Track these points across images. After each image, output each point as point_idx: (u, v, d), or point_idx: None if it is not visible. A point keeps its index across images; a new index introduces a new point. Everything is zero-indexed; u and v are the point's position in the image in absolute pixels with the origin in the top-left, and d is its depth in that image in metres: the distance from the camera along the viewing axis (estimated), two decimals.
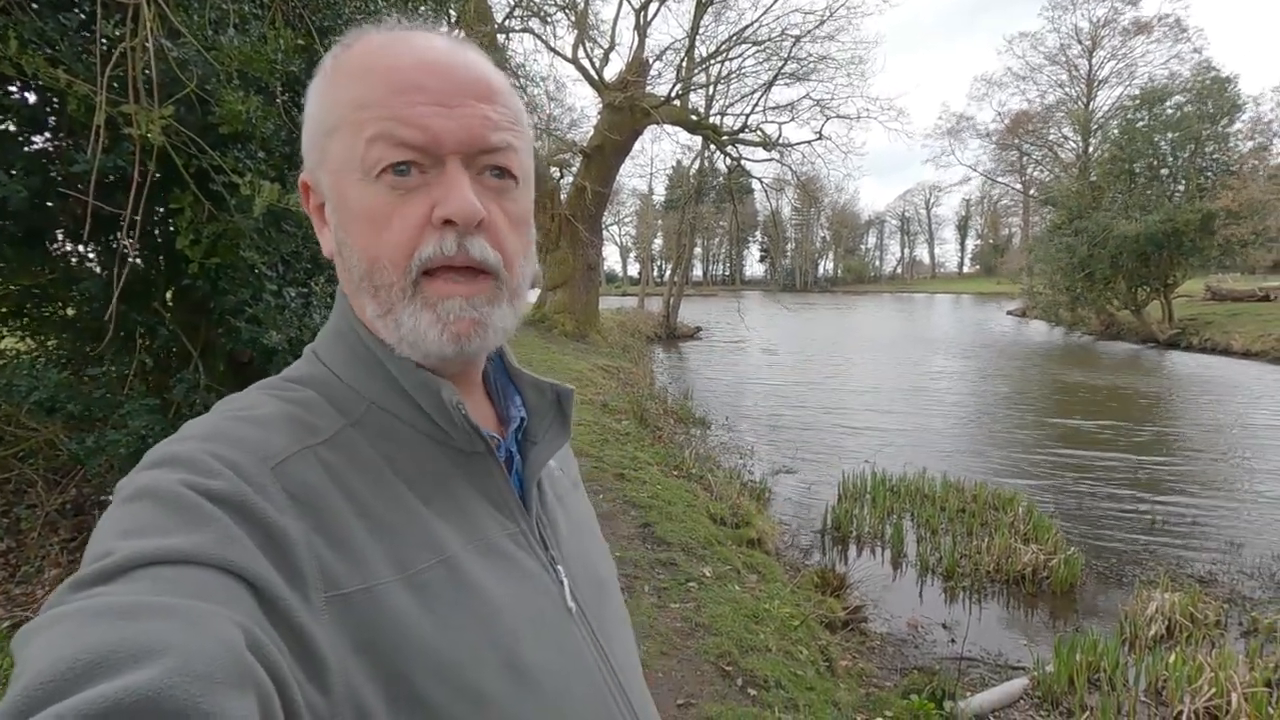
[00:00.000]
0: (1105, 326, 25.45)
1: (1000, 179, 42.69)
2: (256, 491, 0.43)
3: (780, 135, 18.30)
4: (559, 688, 0.52)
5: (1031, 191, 39.36)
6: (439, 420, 0.54)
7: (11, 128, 2.72)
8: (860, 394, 13.73)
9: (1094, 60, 31.73)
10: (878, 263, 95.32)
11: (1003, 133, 36.40)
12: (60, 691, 0.30)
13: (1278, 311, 21.76)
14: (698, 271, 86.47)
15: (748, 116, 18.17)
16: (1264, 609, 4.77)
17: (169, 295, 3.26)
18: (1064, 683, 3.77)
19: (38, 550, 3.12)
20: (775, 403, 12.89)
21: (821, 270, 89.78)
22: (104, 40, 2.44)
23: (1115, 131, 26.39)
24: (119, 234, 2.62)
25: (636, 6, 17.13)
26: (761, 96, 18.23)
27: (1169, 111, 23.90)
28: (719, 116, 18.70)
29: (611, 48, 17.55)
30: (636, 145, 17.72)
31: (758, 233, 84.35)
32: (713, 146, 18.85)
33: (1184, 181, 23.89)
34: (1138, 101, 25.17)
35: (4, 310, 3.16)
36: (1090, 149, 29.61)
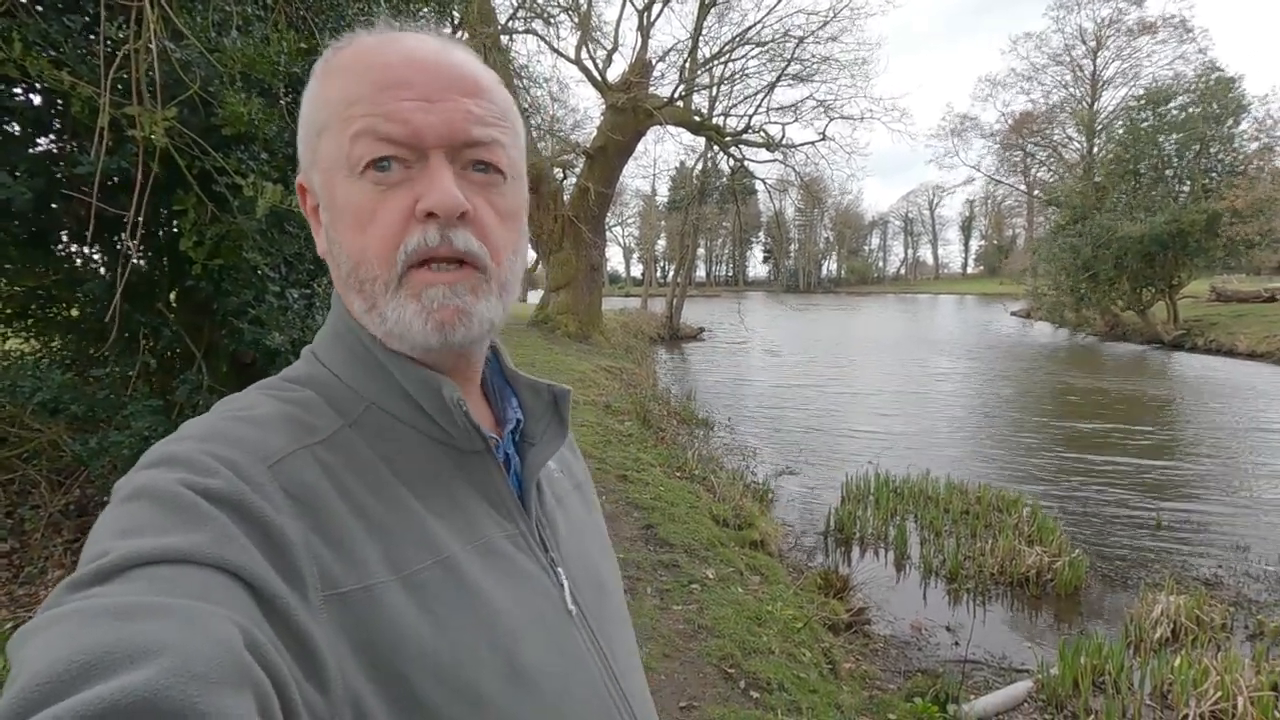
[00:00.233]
0: (1110, 327, 25.37)
1: (1004, 179, 42.63)
2: (254, 491, 0.43)
3: (784, 136, 18.32)
4: (558, 690, 0.51)
5: (1036, 192, 39.28)
6: (439, 419, 0.54)
7: (16, 130, 2.73)
8: (864, 396, 13.71)
9: (1099, 60, 31.67)
10: (881, 263, 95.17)
11: (1007, 133, 36.38)
12: (57, 693, 0.30)
13: None
14: (701, 272, 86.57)
15: (751, 117, 18.19)
16: (1270, 612, 4.74)
17: (172, 296, 3.27)
18: (1068, 686, 3.75)
19: (41, 551, 3.13)
20: (778, 404, 12.87)
21: (825, 271, 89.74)
22: (108, 42, 2.44)
23: (1120, 132, 26.32)
24: (123, 235, 2.63)
25: (640, 7, 17.16)
26: (765, 97, 18.26)
27: (1173, 112, 23.83)
28: (722, 117, 18.73)
29: (615, 49, 17.60)
30: (640, 146, 17.74)
31: (761, 234, 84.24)
32: (716, 147, 18.86)
33: (1189, 182, 23.82)
34: (1142, 102, 25.11)
35: (9, 311, 3.18)
36: (1095, 149, 29.54)
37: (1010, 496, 6.63)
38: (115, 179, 2.56)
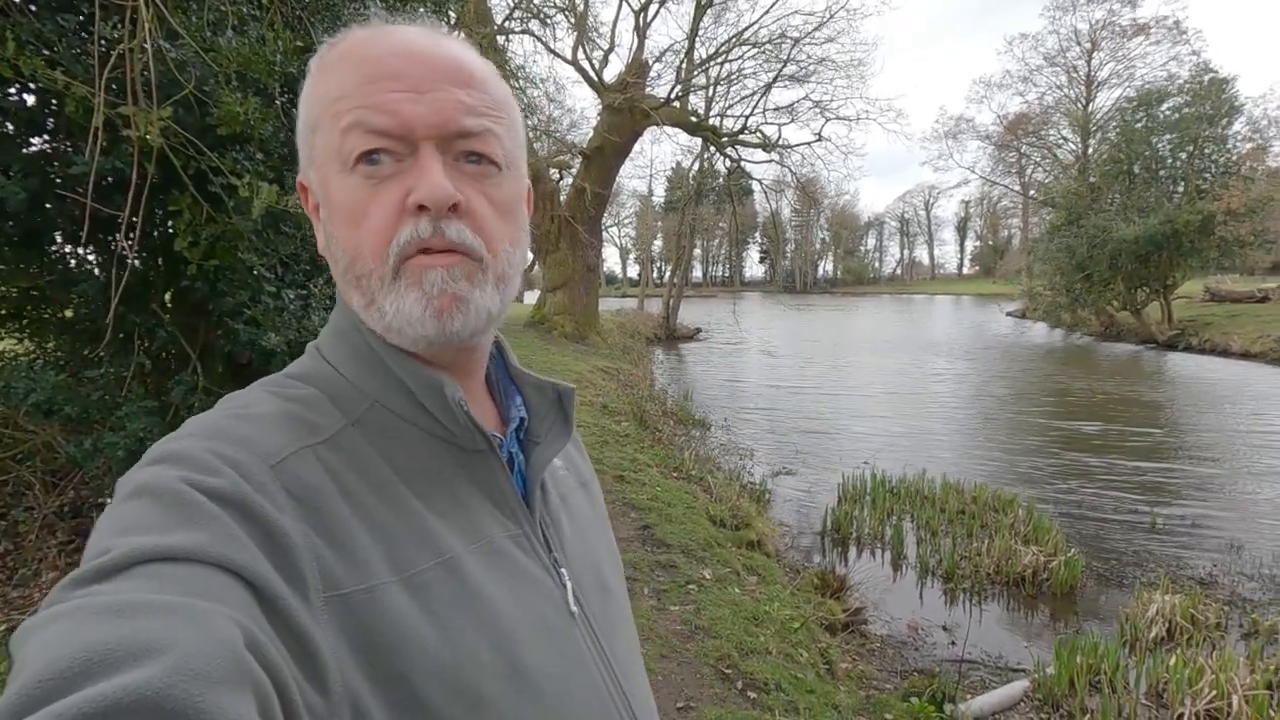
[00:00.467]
0: (1105, 327, 25.48)
1: (999, 180, 42.75)
2: (257, 490, 0.43)
3: (780, 137, 18.36)
4: (559, 692, 0.51)
5: (1031, 193, 39.41)
6: (441, 418, 0.54)
7: (9, 129, 2.71)
8: (860, 396, 13.73)
9: (1093, 61, 31.80)
10: (877, 264, 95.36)
11: (1002, 134, 36.47)
12: (58, 690, 0.30)
13: (1276, 312, 21.78)
14: (697, 273, 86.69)
15: (747, 118, 18.22)
16: (1264, 611, 4.76)
17: (168, 297, 3.25)
18: (1064, 685, 3.76)
19: (35, 553, 3.11)
20: (775, 404, 12.89)
21: (821, 271, 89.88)
22: (102, 42, 2.43)
23: (1114, 133, 26.43)
24: (117, 236, 2.61)
25: (636, 8, 17.18)
26: (761, 98, 18.30)
27: (1166, 113, 23.94)
28: (718, 118, 18.75)
29: (611, 49, 17.60)
30: (636, 147, 17.75)
31: (757, 234, 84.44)
32: (712, 148, 18.87)
33: (1183, 183, 23.92)
34: (1135, 103, 25.22)
35: (2, 312, 3.16)
36: (1089, 150, 29.65)
37: (1006, 496, 6.64)
38: (110, 179, 2.55)
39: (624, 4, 17.28)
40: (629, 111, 15.73)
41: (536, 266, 18.88)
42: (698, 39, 17.47)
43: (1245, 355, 18.42)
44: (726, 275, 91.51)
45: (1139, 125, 24.53)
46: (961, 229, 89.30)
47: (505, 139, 0.55)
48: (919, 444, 9.63)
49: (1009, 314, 37.64)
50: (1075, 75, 32.40)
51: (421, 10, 4.07)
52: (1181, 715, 3.54)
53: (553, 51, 16.75)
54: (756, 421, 11.34)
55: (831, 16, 17.37)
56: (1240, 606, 4.87)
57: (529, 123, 16.26)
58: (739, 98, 19.04)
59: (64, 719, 0.28)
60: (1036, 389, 14.45)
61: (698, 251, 79.77)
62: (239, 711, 0.32)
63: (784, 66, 17.85)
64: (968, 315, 40.74)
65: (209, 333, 3.24)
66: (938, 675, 3.85)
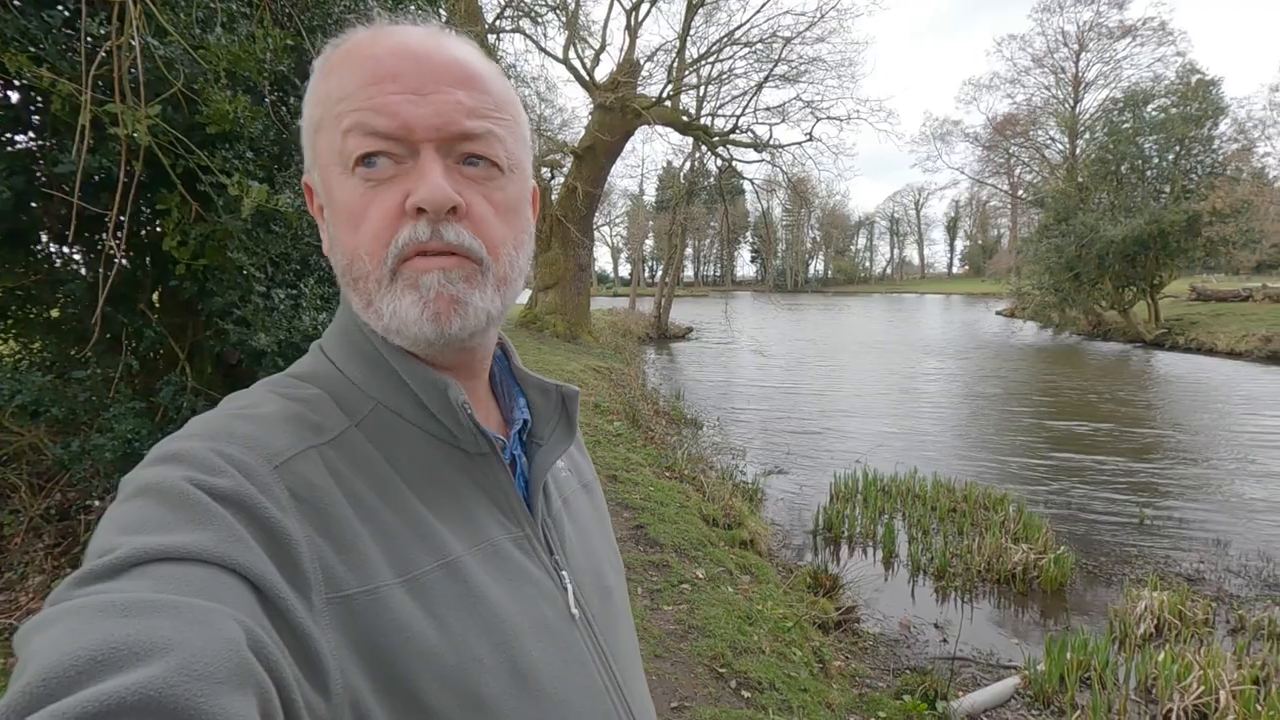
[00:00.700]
0: (1093, 327, 25.73)
1: (988, 181, 43.05)
2: (261, 491, 0.43)
3: (771, 136, 18.37)
4: (560, 694, 0.51)
5: (1020, 193, 39.69)
6: (445, 420, 0.54)
7: None
8: (851, 395, 13.79)
9: (1081, 63, 32.08)
10: (868, 263, 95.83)
11: (991, 134, 36.71)
12: (61, 689, 0.30)
13: (1260, 311, 22.09)
14: (689, 272, 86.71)
15: (738, 118, 18.20)
16: (1250, 607, 4.82)
17: (156, 297, 3.22)
18: (1055, 681, 3.79)
19: (21, 556, 3.07)
20: (766, 404, 12.92)
21: (812, 271, 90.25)
22: (89, 38, 2.40)
23: (1101, 134, 26.66)
24: (105, 235, 2.59)
25: (627, 7, 17.15)
26: (752, 98, 18.28)
27: (1152, 114, 24.18)
28: (710, 118, 18.73)
29: (602, 48, 17.58)
30: (628, 146, 17.72)
31: (749, 234, 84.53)
32: (704, 147, 18.88)
33: (1169, 183, 24.17)
34: (1121, 104, 25.45)
35: None
36: (1077, 150, 29.89)
37: (996, 494, 6.70)
38: (97, 178, 2.51)
39: (615, 3, 17.25)
40: (620, 111, 15.71)
41: (533, 253, 18.79)
42: (689, 38, 17.48)
43: (1230, 353, 18.67)
44: (718, 274, 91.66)
45: (1125, 126, 24.78)
46: (951, 229, 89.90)
47: (508, 140, 0.55)
48: (910, 443, 9.68)
49: (998, 313, 37.92)
50: (1063, 76, 32.70)
51: (412, 7, 4.05)
52: (1170, 710, 3.58)
53: (544, 50, 16.71)
54: (748, 421, 11.37)
55: (822, 16, 17.44)
56: (1227, 603, 4.93)
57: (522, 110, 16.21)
58: (730, 97, 19.04)
59: (66, 718, 0.28)
60: (1026, 388, 14.57)
61: (689, 251, 79.89)
62: (241, 712, 0.32)
63: (775, 66, 17.88)
64: (957, 314, 41.02)
65: (198, 333, 3.21)
66: (930, 673, 3.87)
